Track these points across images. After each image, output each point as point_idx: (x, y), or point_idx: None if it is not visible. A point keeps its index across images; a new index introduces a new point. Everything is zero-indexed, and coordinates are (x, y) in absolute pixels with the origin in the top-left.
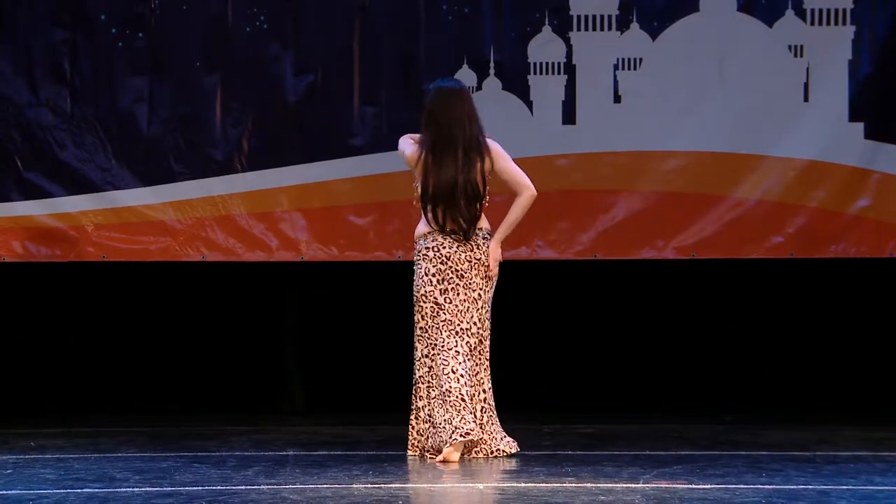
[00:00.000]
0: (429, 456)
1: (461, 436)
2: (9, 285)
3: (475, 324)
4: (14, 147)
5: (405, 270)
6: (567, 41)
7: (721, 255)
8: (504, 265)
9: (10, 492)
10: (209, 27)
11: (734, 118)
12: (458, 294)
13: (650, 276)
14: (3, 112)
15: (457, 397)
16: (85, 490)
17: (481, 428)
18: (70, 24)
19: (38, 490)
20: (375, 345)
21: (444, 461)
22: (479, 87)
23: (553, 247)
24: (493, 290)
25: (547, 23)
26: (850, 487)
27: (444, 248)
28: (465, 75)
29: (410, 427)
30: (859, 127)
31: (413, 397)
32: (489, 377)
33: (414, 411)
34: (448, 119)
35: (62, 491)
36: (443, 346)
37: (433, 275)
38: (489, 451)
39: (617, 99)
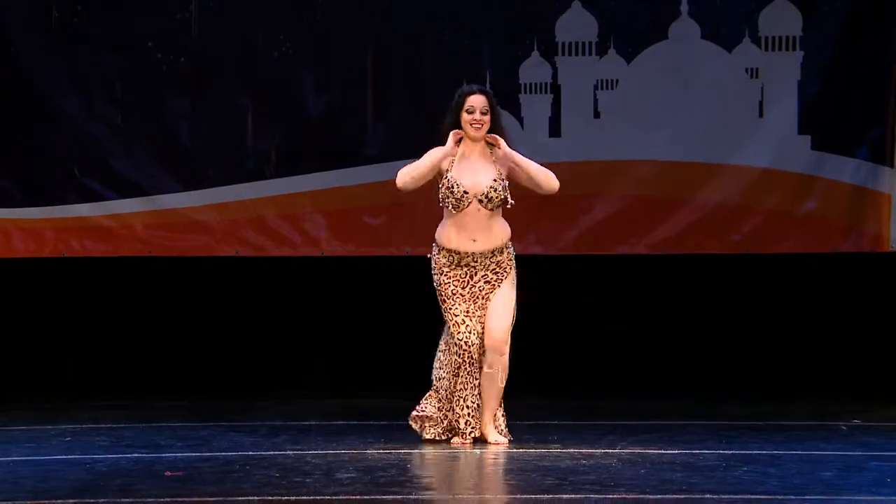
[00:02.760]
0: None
1: None
2: (68, 279)
3: None
4: (72, 157)
5: (412, 264)
6: (553, 64)
7: (686, 250)
8: None
9: (69, 456)
10: (242, 52)
11: (698, 131)
12: None
13: (625, 269)
14: (63, 126)
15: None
16: (134, 455)
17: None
18: (120, 49)
19: (93, 455)
20: (388, 330)
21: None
22: None
23: (541, 244)
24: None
25: (536, 48)
26: (798, 452)
27: None
28: None
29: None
30: (807, 139)
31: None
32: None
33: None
34: None
35: (114, 456)
36: None
37: None
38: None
39: (596, 115)
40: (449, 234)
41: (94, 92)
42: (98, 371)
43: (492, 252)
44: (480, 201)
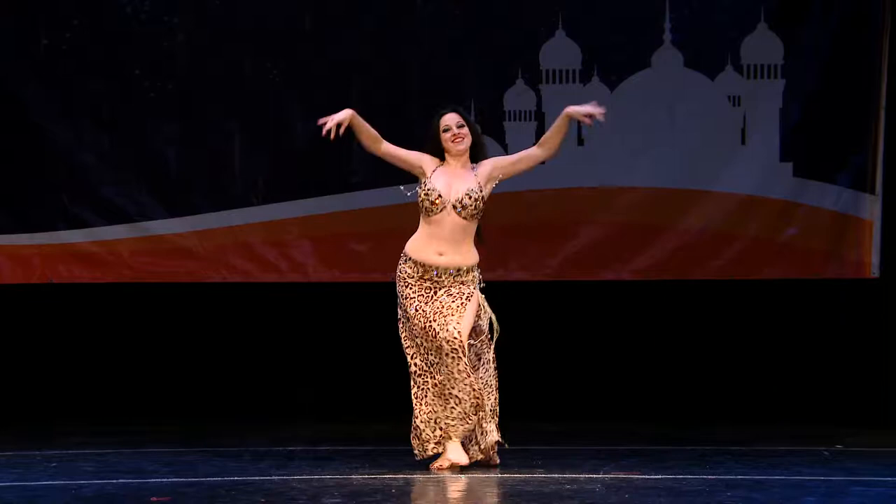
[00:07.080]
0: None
1: None
2: (55, 305)
3: None
4: (61, 183)
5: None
6: (537, 92)
7: (671, 276)
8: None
9: (55, 482)
10: (229, 80)
11: (681, 158)
12: None
13: (609, 295)
14: (52, 153)
15: None
16: (120, 481)
17: None
18: (109, 76)
19: (79, 480)
20: (374, 355)
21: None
22: None
23: (525, 269)
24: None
25: (520, 76)
26: (782, 477)
27: None
28: None
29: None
30: (788, 166)
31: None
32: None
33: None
34: None
35: (100, 481)
36: None
37: None
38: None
39: (580, 142)
40: (418, 245)
41: (82, 119)
42: (84, 396)
43: (457, 270)
44: (454, 207)
